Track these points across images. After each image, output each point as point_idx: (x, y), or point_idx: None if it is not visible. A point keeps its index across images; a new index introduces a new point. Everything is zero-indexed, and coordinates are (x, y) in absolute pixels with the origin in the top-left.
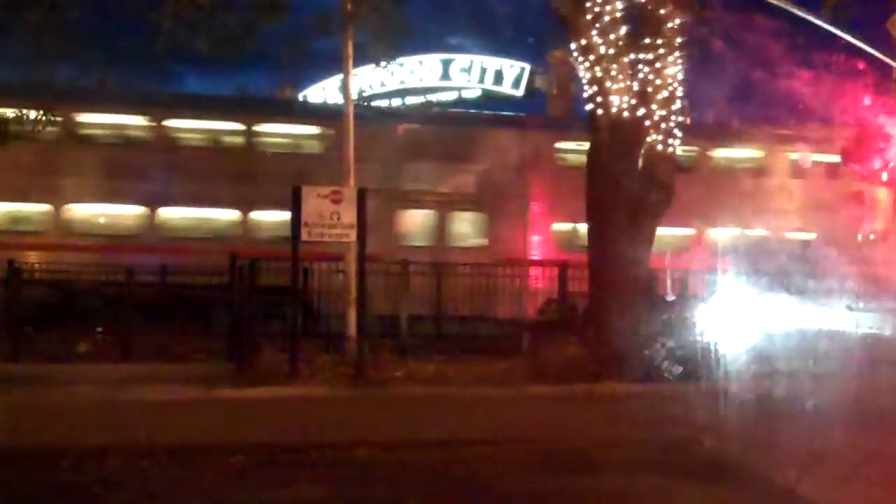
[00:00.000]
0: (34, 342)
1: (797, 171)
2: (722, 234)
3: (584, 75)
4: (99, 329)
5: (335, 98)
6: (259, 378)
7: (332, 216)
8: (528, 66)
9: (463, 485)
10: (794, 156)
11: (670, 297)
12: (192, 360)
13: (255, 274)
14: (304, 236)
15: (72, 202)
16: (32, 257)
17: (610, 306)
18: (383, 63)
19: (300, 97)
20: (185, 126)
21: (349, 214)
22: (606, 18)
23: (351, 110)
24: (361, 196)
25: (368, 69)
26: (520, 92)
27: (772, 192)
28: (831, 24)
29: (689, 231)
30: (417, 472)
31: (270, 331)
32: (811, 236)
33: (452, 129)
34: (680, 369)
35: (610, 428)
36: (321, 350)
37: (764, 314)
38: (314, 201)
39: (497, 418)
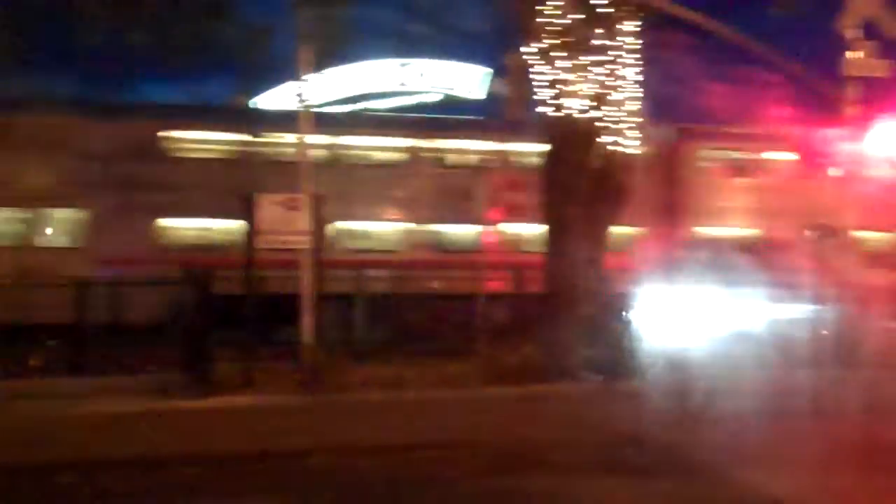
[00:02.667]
0: None
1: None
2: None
3: (538, 78)
4: (50, 342)
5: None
6: (214, 387)
7: (286, 223)
8: (487, 70)
9: (419, 489)
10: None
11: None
12: (146, 371)
13: (210, 282)
14: (258, 243)
15: None
16: None
17: (565, 307)
18: (327, 70)
19: (254, 103)
20: None
21: (304, 220)
22: (561, 21)
23: (308, 115)
24: (317, 202)
25: (325, 73)
26: (481, 95)
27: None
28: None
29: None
30: (374, 478)
31: (226, 339)
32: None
33: None
34: (634, 368)
35: (565, 428)
36: (277, 357)
37: (716, 312)
38: (268, 208)
39: (453, 421)
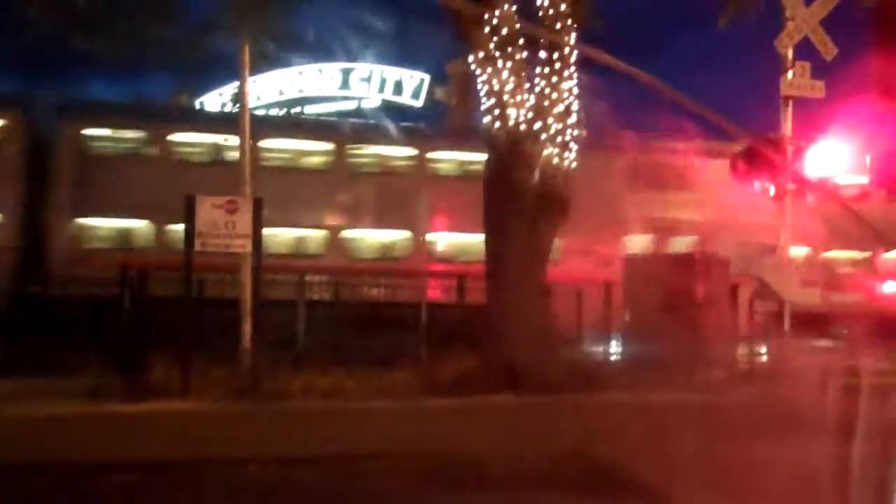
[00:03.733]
0: None
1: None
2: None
3: (481, 88)
4: None
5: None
6: (149, 392)
7: (226, 226)
8: (427, 77)
9: (355, 501)
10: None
11: None
12: (80, 374)
13: (146, 284)
14: (197, 246)
15: None
16: None
17: (506, 317)
18: (268, 70)
19: (197, 104)
20: None
21: (244, 224)
22: (504, 32)
23: (248, 118)
24: (258, 205)
25: (267, 76)
26: (419, 102)
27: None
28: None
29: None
30: (310, 489)
31: (163, 343)
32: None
33: None
34: (576, 381)
35: (505, 441)
36: (215, 363)
37: (659, 324)
38: (209, 211)
39: (393, 432)
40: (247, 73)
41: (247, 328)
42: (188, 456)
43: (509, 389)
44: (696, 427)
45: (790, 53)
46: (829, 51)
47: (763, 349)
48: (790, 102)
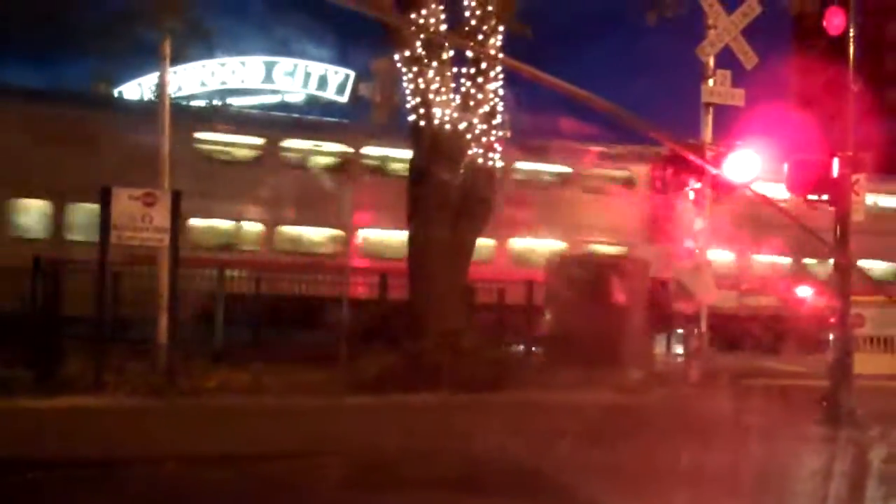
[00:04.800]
0: None
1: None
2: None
3: (407, 86)
4: None
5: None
6: (62, 387)
7: (144, 219)
8: (352, 73)
9: (271, 500)
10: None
11: None
12: None
13: (60, 277)
14: (113, 239)
15: None
16: None
17: (427, 316)
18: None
19: (116, 92)
20: None
21: (162, 217)
22: (430, 30)
23: (167, 109)
24: (176, 199)
25: (189, 67)
26: (344, 98)
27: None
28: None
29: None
30: (226, 489)
31: (78, 336)
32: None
33: None
34: (496, 379)
35: (425, 440)
36: (131, 358)
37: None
38: (125, 203)
39: (312, 430)
40: (167, 63)
41: (163, 322)
42: (100, 454)
43: (430, 388)
44: (613, 428)
45: (711, 61)
46: (749, 60)
47: (679, 350)
48: (710, 109)
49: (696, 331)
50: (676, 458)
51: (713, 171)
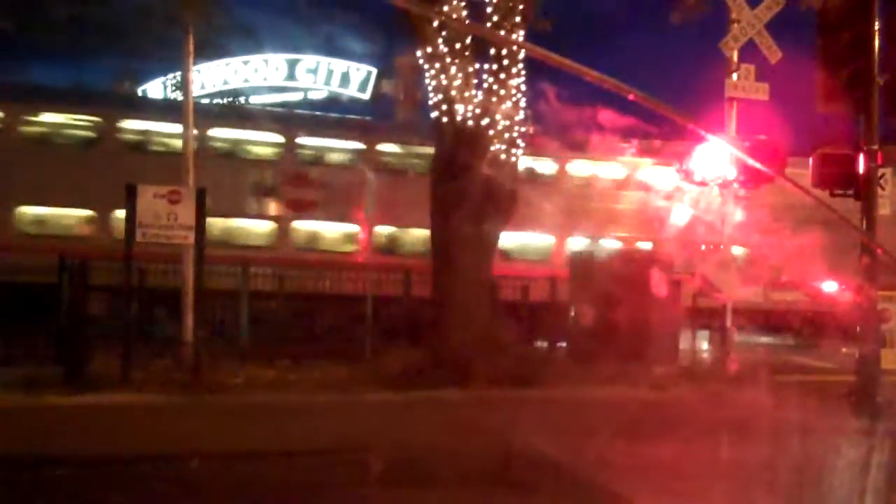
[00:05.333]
0: None
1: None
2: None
3: (430, 83)
4: None
5: (176, 93)
6: (89, 384)
7: (169, 217)
8: (374, 70)
9: (299, 498)
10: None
11: None
12: (19, 364)
13: (87, 274)
14: (138, 237)
15: None
16: None
17: (452, 312)
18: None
19: (140, 91)
20: None
21: (187, 215)
22: (454, 22)
23: (191, 106)
24: (201, 196)
25: (212, 65)
26: (366, 95)
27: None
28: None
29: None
30: (252, 485)
31: (105, 333)
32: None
33: None
34: (522, 375)
35: (451, 436)
36: (157, 355)
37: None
38: (150, 201)
39: (337, 427)
40: (190, 61)
41: (188, 320)
42: (127, 450)
43: (455, 384)
44: (646, 423)
45: (735, 56)
46: (773, 54)
47: (705, 346)
48: (735, 104)
49: (722, 326)
50: (716, 452)
51: (742, 161)
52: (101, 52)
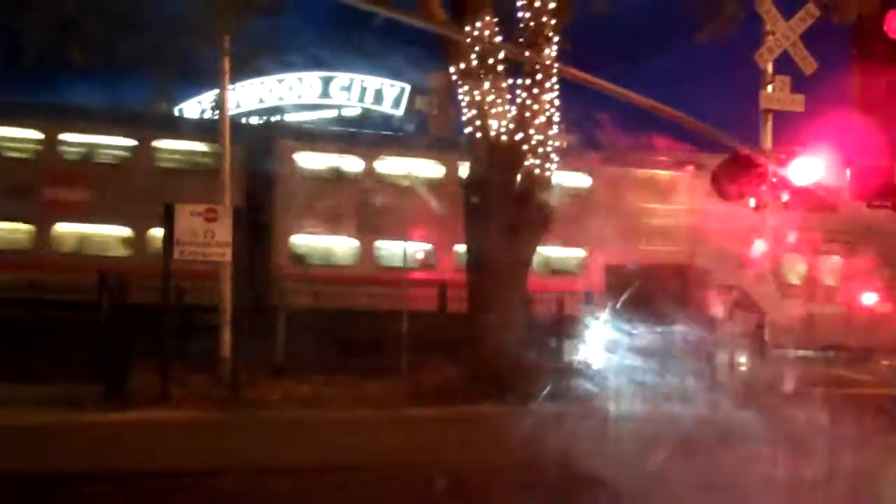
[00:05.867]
0: None
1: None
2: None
3: (463, 98)
4: None
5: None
6: (128, 401)
7: (206, 234)
8: (408, 87)
9: None
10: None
11: None
12: (59, 382)
13: (126, 291)
14: (176, 255)
15: None
16: None
17: (488, 327)
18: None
19: (176, 111)
20: None
21: (224, 233)
22: (486, 42)
23: (228, 126)
24: (237, 214)
25: (246, 84)
26: (399, 111)
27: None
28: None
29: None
30: (291, 499)
31: (143, 350)
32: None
33: None
34: (558, 390)
35: (488, 451)
36: (195, 371)
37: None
38: (187, 219)
39: (374, 442)
40: (227, 80)
41: (226, 336)
42: (166, 466)
43: (492, 398)
44: (677, 439)
45: (770, 67)
46: (808, 65)
47: (744, 360)
48: (770, 116)
49: (762, 339)
50: (774, 467)
51: (781, 176)
52: (137, 72)
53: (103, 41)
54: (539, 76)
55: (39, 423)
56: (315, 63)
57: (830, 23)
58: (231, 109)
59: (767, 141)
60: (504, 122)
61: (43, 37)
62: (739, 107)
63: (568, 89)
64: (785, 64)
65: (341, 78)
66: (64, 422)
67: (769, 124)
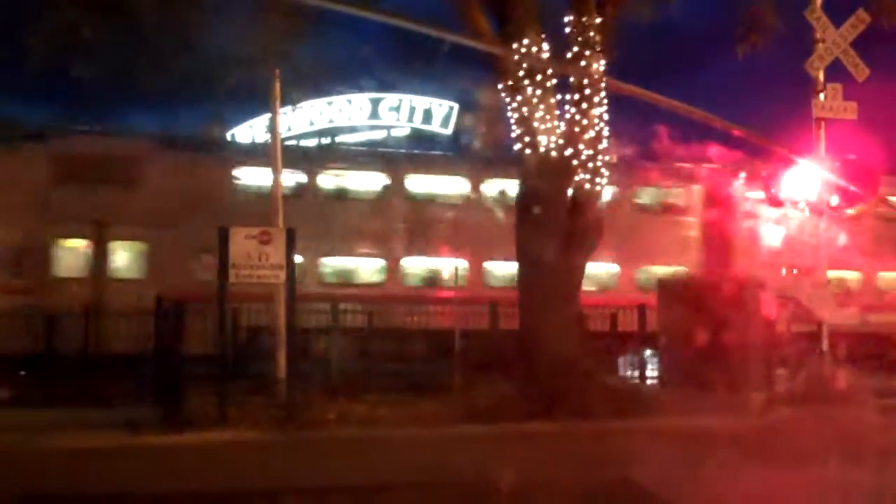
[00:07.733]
0: None
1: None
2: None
3: (511, 115)
4: (21, 372)
5: (263, 137)
6: (186, 423)
7: (260, 257)
8: (456, 105)
9: None
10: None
11: None
12: (118, 405)
13: (183, 315)
14: (231, 278)
15: None
16: None
17: (541, 344)
18: (299, 105)
19: (228, 135)
20: None
21: (278, 255)
22: (532, 60)
23: (279, 149)
24: (290, 236)
25: (298, 107)
26: (448, 130)
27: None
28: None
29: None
30: None
31: (199, 373)
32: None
33: None
34: (613, 406)
35: (543, 469)
36: (251, 392)
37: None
38: (242, 242)
39: (428, 461)
40: (278, 104)
41: (281, 358)
42: (225, 488)
43: (546, 416)
44: (737, 452)
45: (821, 76)
46: (860, 72)
47: (801, 371)
48: (823, 124)
49: (818, 350)
50: (833, 481)
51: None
52: (189, 97)
53: (160, 66)
54: (587, 91)
55: (101, 445)
56: (363, 85)
57: (880, 28)
58: (283, 133)
59: (821, 148)
60: (553, 138)
61: (103, 66)
62: (788, 113)
63: (620, 103)
64: (832, 70)
65: (390, 99)
66: (124, 445)
67: (822, 132)
